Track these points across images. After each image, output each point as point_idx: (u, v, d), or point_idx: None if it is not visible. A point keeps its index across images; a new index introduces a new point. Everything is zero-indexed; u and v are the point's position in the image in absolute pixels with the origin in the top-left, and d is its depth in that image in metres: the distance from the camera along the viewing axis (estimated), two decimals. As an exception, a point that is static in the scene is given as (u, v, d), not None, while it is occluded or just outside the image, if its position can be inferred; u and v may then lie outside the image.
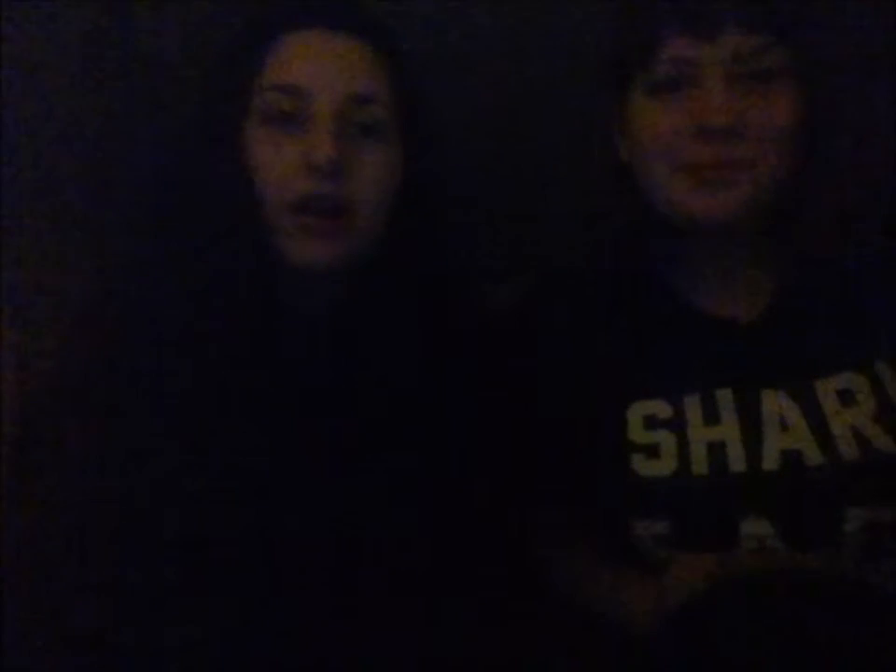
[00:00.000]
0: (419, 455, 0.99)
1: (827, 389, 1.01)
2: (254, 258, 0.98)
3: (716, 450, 0.99)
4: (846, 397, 1.00)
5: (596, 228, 1.15)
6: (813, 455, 0.98)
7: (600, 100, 1.08)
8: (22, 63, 1.23)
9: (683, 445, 1.00)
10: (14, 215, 1.20)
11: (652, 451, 1.00)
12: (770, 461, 0.98)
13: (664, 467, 0.99)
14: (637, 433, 1.01)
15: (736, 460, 0.99)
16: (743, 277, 1.06)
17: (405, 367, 1.01)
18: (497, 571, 1.01)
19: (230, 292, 0.97)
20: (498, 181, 1.33)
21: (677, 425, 1.01)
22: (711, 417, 1.00)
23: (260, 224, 0.98)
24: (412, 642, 0.95)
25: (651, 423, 1.01)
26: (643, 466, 1.00)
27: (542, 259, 1.28)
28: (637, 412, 1.02)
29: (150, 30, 1.28)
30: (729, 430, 1.00)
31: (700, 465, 0.99)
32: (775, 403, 1.00)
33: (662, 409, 1.02)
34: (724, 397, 1.01)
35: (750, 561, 0.97)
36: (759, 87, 0.98)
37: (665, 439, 1.00)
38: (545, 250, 1.29)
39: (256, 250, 0.98)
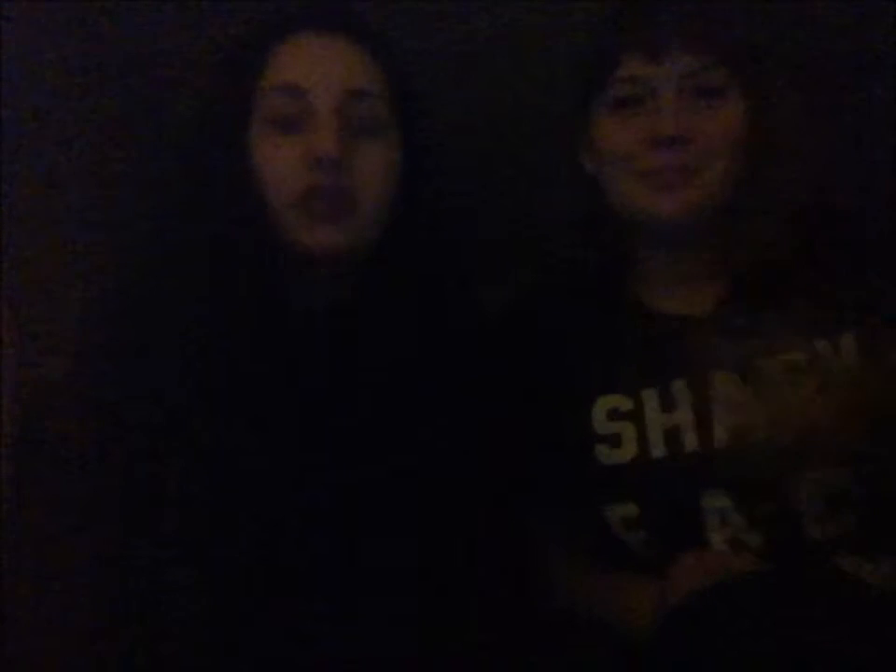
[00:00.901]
0: (419, 451, 0.99)
1: (773, 368, 1.08)
2: (259, 256, 0.99)
3: (671, 434, 1.08)
4: (790, 372, 1.07)
5: (592, 228, 1.17)
6: (760, 428, 1.05)
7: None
8: (22, 63, 1.23)
9: (642, 433, 1.08)
10: (14, 215, 1.20)
11: (615, 440, 1.09)
12: (721, 439, 1.06)
13: (624, 454, 1.08)
14: (601, 425, 1.10)
15: (690, 442, 1.07)
16: (697, 277, 1.14)
17: (405, 362, 1.02)
18: (495, 571, 1.01)
19: (234, 290, 0.98)
20: (498, 181, 1.33)
21: (636, 415, 1.09)
22: (667, 406, 1.09)
23: (266, 222, 1.00)
24: (410, 642, 0.95)
25: (613, 415, 1.10)
26: (606, 454, 1.09)
27: (542, 259, 1.28)
28: (602, 406, 1.11)
29: (150, 30, 1.28)
30: (683, 416, 1.08)
31: (657, 449, 1.08)
32: (724, 385, 1.08)
33: (623, 402, 1.10)
34: (679, 386, 1.09)
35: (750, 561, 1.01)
36: (706, 102, 1.08)
37: (626, 428, 1.09)
38: (545, 250, 1.29)
39: (261, 248, 1.00)
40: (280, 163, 1.00)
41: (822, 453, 1.04)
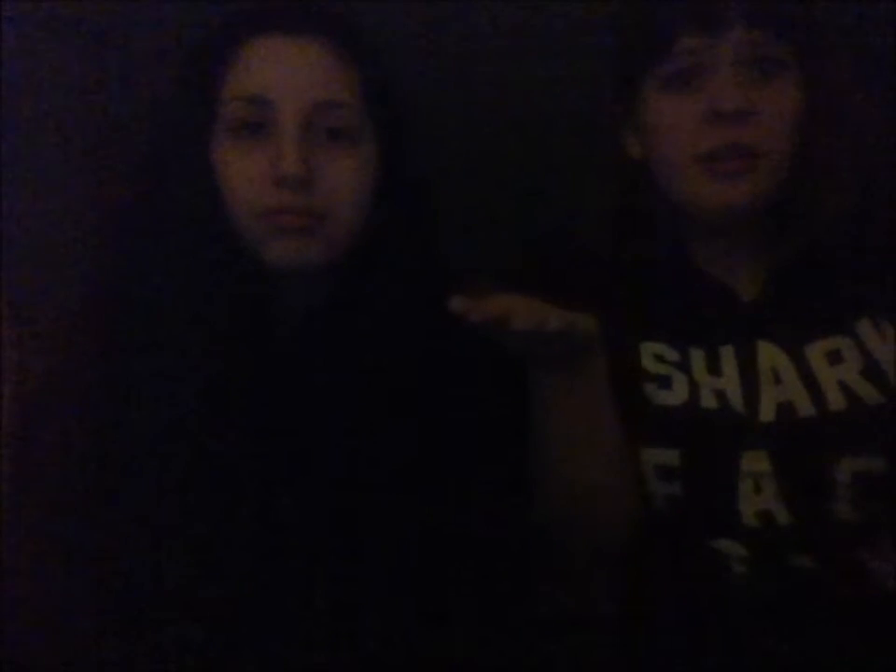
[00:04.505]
0: (414, 447, 0.98)
1: (815, 352, 1.05)
2: (231, 263, 0.96)
3: (720, 395, 1.04)
4: (833, 357, 1.05)
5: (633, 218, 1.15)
6: (805, 406, 1.03)
7: (602, 98, 1.11)
8: (22, 64, 1.23)
9: (692, 382, 1.05)
10: (14, 213, 1.20)
11: (664, 381, 1.05)
12: (767, 412, 1.03)
13: (675, 397, 1.04)
14: (650, 364, 1.06)
15: (738, 407, 1.04)
16: (745, 255, 1.10)
17: (392, 363, 1.00)
18: (495, 568, 1.01)
19: (214, 295, 0.96)
20: (498, 180, 1.33)
21: (684, 367, 1.06)
22: (713, 369, 1.05)
23: (234, 231, 0.97)
24: (409, 642, 0.95)
25: (661, 360, 1.06)
26: (656, 395, 1.04)
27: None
28: (647, 350, 1.07)
29: (150, 30, 1.28)
30: (730, 381, 1.05)
31: (708, 400, 1.04)
32: (769, 357, 1.06)
33: (669, 353, 1.07)
34: (726, 353, 1.06)
35: None
36: (766, 77, 1.03)
37: (676, 374, 1.05)
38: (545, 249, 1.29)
39: (233, 256, 0.97)
40: (243, 177, 0.96)
41: (864, 439, 1.01)
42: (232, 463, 0.94)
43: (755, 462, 1.00)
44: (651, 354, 1.06)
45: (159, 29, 1.27)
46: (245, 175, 0.96)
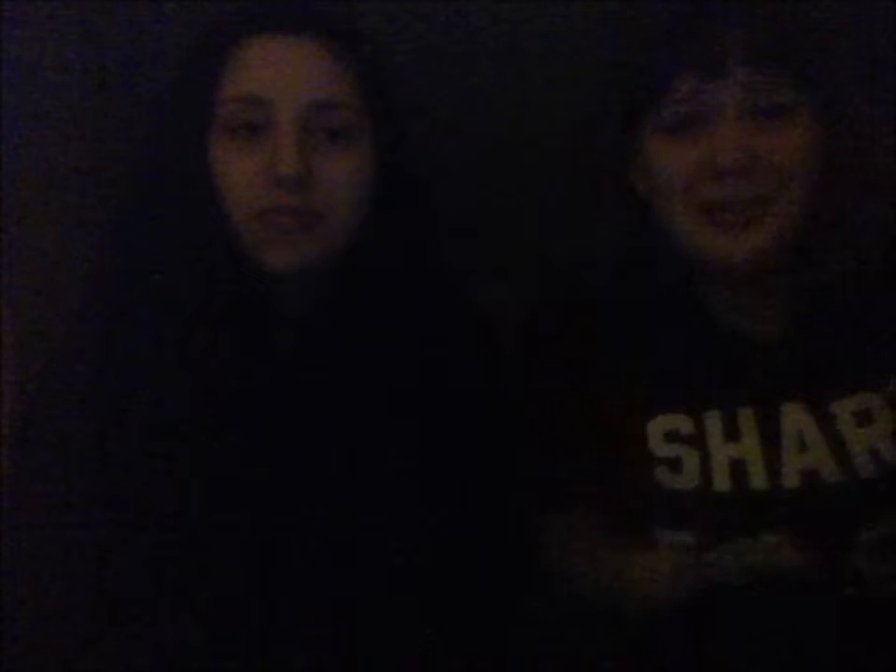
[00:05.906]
0: (412, 452, 0.98)
1: (843, 411, 1.01)
2: (230, 264, 0.96)
3: (737, 467, 0.99)
4: (862, 417, 1.01)
5: (595, 230, 1.15)
6: (831, 473, 0.99)
7: (603, 98, 1.09)
8: (22, 64, 1.23)
9: (705, 461, 1.00)
10: (14, 215, 1.20)
11: (674, 464, 1.00)
12: (790, 479, 0.99)
13: (686, 481, 0.99)
14: (658, 447, 1.01)
15: (757, 478, 0.99)
16: (759, 302, 1.05)
17: (391, 364, 1.00)
18: (494, 568, 1.01)
19: (212, 296, 0.96)
20: (497, 182, 1.33)
21: (698, 440, 1.00)
22: (732, 434, 1.00)
23: (232, 232, 0.97)
24: (409, 642, 0.95)
25: (672, 437, 1.01)
26: (666, 478, 1.00)
27: (542, 259, 1.28)
28: (658, 426, 1.01)
29: (150, 30, 1.28)
30: (749, 448, 1.00)
31: (722, 481, 0.99)
32: (794, 420, 1.01)
33: (683, 423, 1.01)
34: (745, 415, 1.01)
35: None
36: (771, 122, 0.97)
37: (687, 454, 1.00)
38: (544, 250, 1.29)
39: (231, 257, 0.96)
40: (241, 178, 0.96)
41: (893, 507, 0.97)
42: (231, 463, 0.94)
43: (774, 538, 0.96)
44: (661, 432, 1.01)
45: (158, 29, 1.27)
46: (243, 175, 0.96)
